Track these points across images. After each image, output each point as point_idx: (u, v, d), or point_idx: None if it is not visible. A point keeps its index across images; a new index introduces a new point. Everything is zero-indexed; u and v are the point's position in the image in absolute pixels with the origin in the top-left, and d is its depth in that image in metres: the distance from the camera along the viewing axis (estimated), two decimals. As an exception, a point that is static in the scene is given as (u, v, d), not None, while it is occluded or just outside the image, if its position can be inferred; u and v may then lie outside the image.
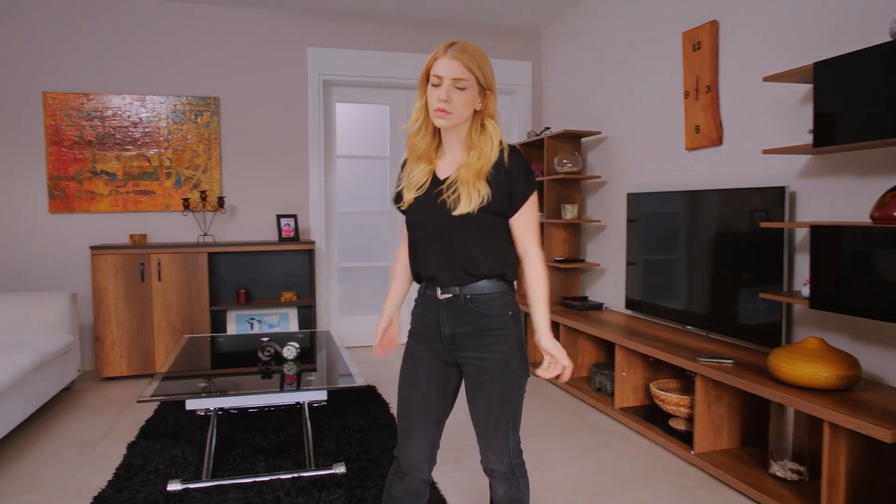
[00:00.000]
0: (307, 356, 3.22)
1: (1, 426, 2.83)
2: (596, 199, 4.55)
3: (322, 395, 2.63)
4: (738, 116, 3.20)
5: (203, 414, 2.60)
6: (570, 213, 4.43)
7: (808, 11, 2.78)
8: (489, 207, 1.58)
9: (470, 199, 1.56)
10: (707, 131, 3.37)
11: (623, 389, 3.43)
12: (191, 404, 2.48)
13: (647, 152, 3.97)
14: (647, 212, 3.79)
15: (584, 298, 4.42)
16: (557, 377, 1.62)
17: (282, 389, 2.65)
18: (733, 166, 3.25)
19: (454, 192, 1.58)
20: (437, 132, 1.68)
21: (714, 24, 3.30)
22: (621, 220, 4.20)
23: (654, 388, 3.21)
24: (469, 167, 1.58)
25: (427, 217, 1.63)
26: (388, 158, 5.27)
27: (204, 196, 4.56)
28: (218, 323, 4.58)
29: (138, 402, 2.39)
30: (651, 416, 3.28)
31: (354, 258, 5.28)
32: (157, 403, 3.51)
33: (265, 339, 3.09)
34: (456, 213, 1.57)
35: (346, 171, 5.22)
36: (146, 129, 4.57)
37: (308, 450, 2.75)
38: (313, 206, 4.95)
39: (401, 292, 1.84)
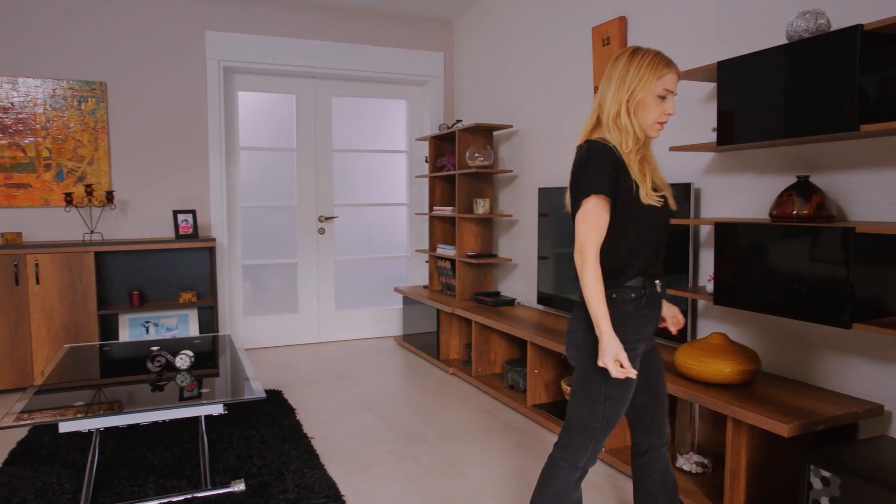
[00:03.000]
0: (205, 363, 2.99)
1: None
2: (508, 194, 4.52)
3: (218, 409, 2.43)
4: (645, 113, 3.22)
5: (86, 431, 2.34)
6: (481, 207, 4.37)
7: (714, 10, 2.82)
8: None
9: (673, 203, 1.79)
10: (615, 127, 3.39)
11: (535, 386, 3.41)
12: (64, 427, 2.22)
13: (557, 146, 3.96)
14: (558, 206, 3.79)
15: (497, 294, 4.39)
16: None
17: (173, 404, 2.42)
18: (640, 162, 3.27)
19: (663, 195, 1.75)
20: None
21: (623, 20, 3.31)
22: (533, 214, 4.19)
23: (564, 385, 3.20)
24: (658, 171, 1.81)
25: (664, 219, 1.78)
26: (295, 150, 5.03)
27: (90, 190, 4.18)
28: (109, 328, 4.23)
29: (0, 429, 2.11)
30: (562, 412, 3.28)
31: (260, 255, 5.02)
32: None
33: (155, 347, 2.84)
34: (670, 215, 1.80)
35: (250, 163, 4.95)
36: (19, 116, 4.12)
37: (204, 467, 2.54)
38: (214, 201, 4.65)
39: None
